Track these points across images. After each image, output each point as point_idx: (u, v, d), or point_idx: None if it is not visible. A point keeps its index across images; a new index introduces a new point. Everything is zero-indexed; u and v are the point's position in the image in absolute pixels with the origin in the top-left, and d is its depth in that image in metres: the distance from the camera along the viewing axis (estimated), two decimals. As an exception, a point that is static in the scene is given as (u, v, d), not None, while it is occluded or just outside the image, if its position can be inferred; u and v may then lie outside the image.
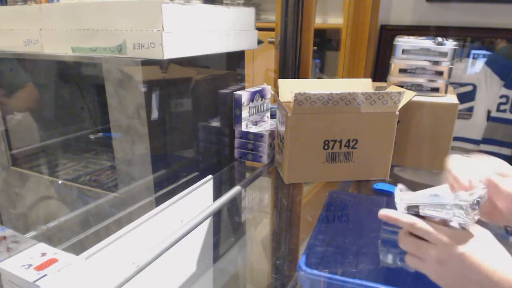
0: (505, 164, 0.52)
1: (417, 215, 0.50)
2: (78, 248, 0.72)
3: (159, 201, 0.75)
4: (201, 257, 0.85)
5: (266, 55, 1.46)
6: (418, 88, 0.93)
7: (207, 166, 1.00)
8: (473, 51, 1.75)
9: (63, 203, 1.02)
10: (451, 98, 0.90)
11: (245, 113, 0.91)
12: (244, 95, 0.90)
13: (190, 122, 0.96)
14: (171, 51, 0.74)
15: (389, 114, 0.80)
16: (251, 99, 0.93)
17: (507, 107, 1.63)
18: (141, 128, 0.79)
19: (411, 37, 0.92)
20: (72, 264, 0.49)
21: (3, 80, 1.08)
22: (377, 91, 0.77)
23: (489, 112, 1.68)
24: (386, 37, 1.86)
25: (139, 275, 0.58)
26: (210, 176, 0.85)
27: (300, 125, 0.78)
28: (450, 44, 0.89)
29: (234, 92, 0.90)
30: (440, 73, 0.91)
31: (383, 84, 1.02)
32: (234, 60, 1.06)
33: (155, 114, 0.82)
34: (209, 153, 1.00)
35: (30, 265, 0.48)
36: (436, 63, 0.91)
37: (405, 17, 1.85)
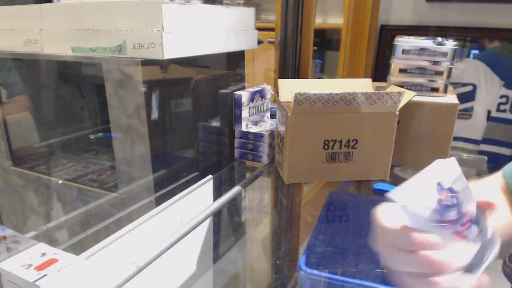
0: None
1: None
2: (78, 248, 0.72)
3: (159, 201, 0.75)
4: (201, 257, 0.85)
5: (266, 55, 1.46)
6: (418, 88, 0.93)
7: (207, 166, 1.00)
8: (473, 51, 1.75)
9: (63, 203, 1.02)
10: (451, 98, 0.90)
11: (245, 113, 0.91)
12: (244, 95, 0.90)
13: (190, 122, 0.96)
14: (171, 51, 0.74)
15: (389, 114, 0.80)
16: (251, 99, 0.93)
17: (507, 107, 1.63)
18: (141, 128, 0.79)
19: (411, 37, 0.92)
20: (72, 264, 0.49)
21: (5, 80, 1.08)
22: (377, 91, 0.77)
23: (489, 112, 1.68)
24: (386, 37, 1.86)
25: (139, 275, 0.58)
26: (210, 176, 0.85)
27: (300, 125, 0.78)
28: (450, 44, 0.89)
29: (234, 92, 0.90)
30: (440, 73, 0.91)
31: (383, 84, 1.02)
32: (234, 60, 1.06)
33: (155, 114, 0.82)
34: (209, 153, 1.00)
35: (30, 265, 0.48)
36: (436, 63, 0.91)
37: (405, 17, 1.85)
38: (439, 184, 0.35)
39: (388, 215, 0.38)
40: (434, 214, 0.34)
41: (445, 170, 0.36)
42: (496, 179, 0.59)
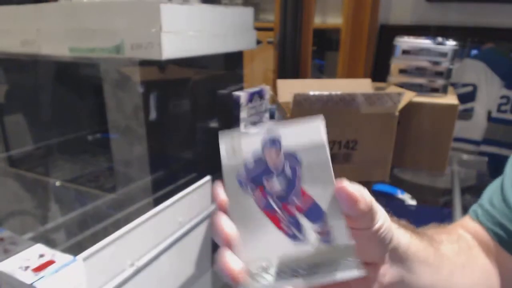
0: None
1: None
2: (76, 249, 0.71)
3: (157, 202, 0.75)
4: (200, 258, 0.85)
5: (265, 55, 1.46)
6: (418, 88, 0.93)
7: (205, 167, 0.99)
8: (473, 51, 1.75)
9: (61, 204, 1.01)
10: (451, 99, 0.90)
11: (243, 114, 0.91)
12: (243, 95, 0.89)
13: (188, 123, 0.96)
14: (169, 51, 0.74)
15: (389, 115, 0.80)
16: (250, 100, 0.93)
17: (507, 107, 1.63)
18: (139, 129, 0.79)
19: (411, 37, 0.92)
20: (70, 265, 0.48)
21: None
22: (377, 92, 0.76)
23: (489, 112, 1.68)
24: (386, 37, 1.85)
25: (137, 277, 0.58)
26: (208, 177, 0.85)
27: (299, 126, 0.77)
28: (450, 44, 0.89)
29: (233, 93, 0.90)
30: (440, 74, 0.91)
31: (382, 84, 1.01)
32: (233, 61, 1.06)
33: (153, 115, 0.81)
34: (208, 154, 1.00)
35: (27, 267, 0.47)
36: (436, 63, 0.90)
37: (405, 17, 1.85)
38: None
39: None
40: None
41: None
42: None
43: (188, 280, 0.82)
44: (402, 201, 0.90)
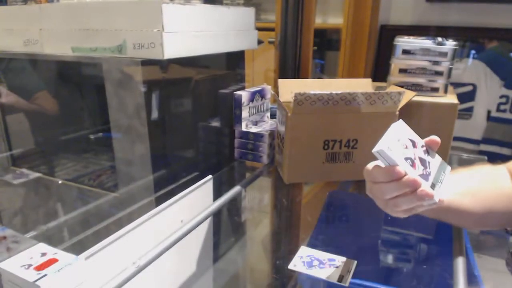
0: None
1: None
2: (78, 248, 0.72)
3: (159, 201, 0.75)
4: (201, 257, 0.85)
5: (266, 55, 1.46)
6: (418, 88, 0.93)
7: (207, 166, 1.00)
8: (473, 51, 1.75)
9: (63, 203, 1.02)
10: (451, 98, 0.90)
11: (245, 113, 0.91)
12: (244, 95, 0.90)
13: (190, 122, 0.96)
14: (171, 51, 0.74)
15: (389, 114, 0.80)
16: (251, 99, 0.93)
17: (507, 107, 1.63)
18: (141, 128, 0.79)
19: (411, 37, 0.92)
20: (72, 264, 0.49)
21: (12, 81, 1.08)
22: (377, 91, 0.77)
23: (489, 112, 1.68)
24: (386, 37, 1.85)
25: (139, 275, 0.58)
26: (210, 176, 0.85)
27: (300, 125, 0.78)
28: (450, 44, 0.89)
29: (234, 92, 0.90)
30: (440, 73, 0.91)
31: (383, 84, 1.01)
32: (234, 60, 1.06)
33: (155, 114, 0.82)
34: (209, 153, 1.00)
35: (30, 265, 0.48)
36: (436, 63, 0.91)
37: (405, 17, 1.85)
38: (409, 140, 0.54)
39: (373, 164, 0.54)
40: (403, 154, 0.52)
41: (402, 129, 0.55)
42: None
43: (190, 279, 0.82)
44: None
